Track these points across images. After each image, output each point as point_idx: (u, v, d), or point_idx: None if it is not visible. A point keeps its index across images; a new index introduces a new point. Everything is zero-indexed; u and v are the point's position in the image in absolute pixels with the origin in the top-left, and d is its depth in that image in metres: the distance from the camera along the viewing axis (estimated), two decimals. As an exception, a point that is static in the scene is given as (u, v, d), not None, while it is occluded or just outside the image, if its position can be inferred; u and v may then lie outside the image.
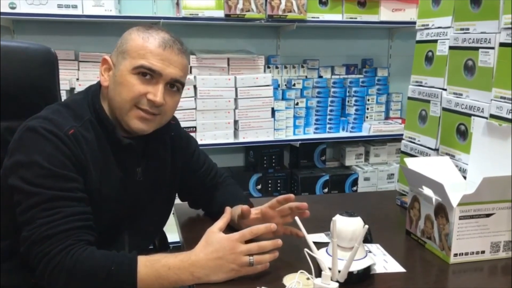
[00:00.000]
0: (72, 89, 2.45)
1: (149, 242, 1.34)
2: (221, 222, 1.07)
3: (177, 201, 1.37)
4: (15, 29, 2.51)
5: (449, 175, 1.29)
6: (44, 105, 1.14)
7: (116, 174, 1.12)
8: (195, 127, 2.56)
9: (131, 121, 1.11)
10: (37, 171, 1.00)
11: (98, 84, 1.17)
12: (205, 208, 1.40)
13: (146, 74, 1.08)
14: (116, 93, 1.11)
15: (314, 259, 0.97)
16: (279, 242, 1.03)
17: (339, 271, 0.95)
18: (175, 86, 1.13)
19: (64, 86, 2.38)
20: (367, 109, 2.89)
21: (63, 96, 2.29)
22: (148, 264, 0.99)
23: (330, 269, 0.94)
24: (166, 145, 1.25)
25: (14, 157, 1.03)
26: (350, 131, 2.86)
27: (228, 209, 1.12)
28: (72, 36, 2.59)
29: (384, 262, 1.10)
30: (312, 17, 2.65)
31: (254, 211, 1.21)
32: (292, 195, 1.18)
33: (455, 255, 1.10)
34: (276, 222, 1.15)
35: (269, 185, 2.79)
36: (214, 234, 1.04)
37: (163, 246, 1.44)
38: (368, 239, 1.20)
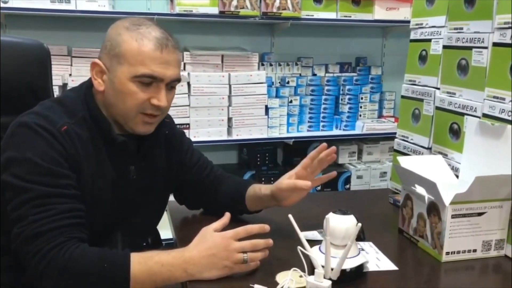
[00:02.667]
0: (65, 84, 2.43)
1: (143, 240, 1.33)
2: (218, 223, 1.06)
3: (171, 198, 1.37)
4: (7, 23, 2.49)
5: (442, 174, 1.30)
6: (37, 101, 1.13)
7: (109, 172, 1.12)
8: (189, 124, 2.56)
9: (137, 126, 1.11)
10: (29, 167, 0.99)
11: (90, 81, 1.16)
12: (207, 205, 1.38)
13: (148, 80, 1.08)
14: (118, 101, 1.09)
15: (307, 257, 0.97)
16: (270, 241, 1.04)
17: (332, 269, 0.96)
18: (173, 85, 1.13)
19: (56, 81, 2.36)
20: (361, 107, 2.89)
21: (56, 92, 2.28)
22: (141, 261, 0.98)
23: (323, 266, 0.94)
24: (160, 144, 1.24)
25: (6, 153, 1.02)
26: (344, 129, 2.87)
27: (227, 214, 1.10)
28: (65, 31, 2.57)
29: (376, 260, 1.11)
30: (307, 15, 2.65)
31: (287, 176, 1.22)
32: (324, 145, 1.19)
33: (447, 253, 1.11)
34: (310, 180, 1.20)
35: (262, 183, 2.77)
36: (209, 232, 1.04)
37: (156, 243, 1.44)
38: (361, 237, 1.20)
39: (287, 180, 1.20)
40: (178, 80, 1.13)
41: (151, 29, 1.09)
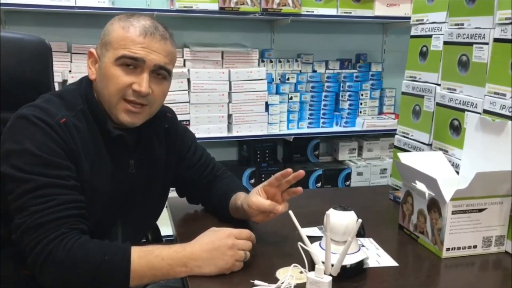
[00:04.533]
0: (65, 81, 2.43)
1: (143, 234, 1.33)
2: (232, 230, 1.06)
3: (171, 195, 1.37)
4: (7, 20, 2.48)
5: (442, 170, 1.30)
6: (37, 97, 1.13)
7: (108, 165, 1.12)
8: (189, 121, 2.55)
9: (120, 115, 1.10)
10: (28, 158, 0.99)
11: None
12: (203, 203, 1.38)
13: (130, 64, 1.07)
14: (103, 86, 1.10)
15: (307, 253, 0.97)
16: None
17: (332, 265, 0.96)
18: (160, 73, 1.11)
19: (56, 78, 2.34)
20: (361, 104, 2.89)
21: (56, 89, 2.28)
22: (141, 255, 0.98)
23: (323, 262, 0.94)
24: (160, 138, 1.24)
25: (6, 145, 1.02)
26: (344, 126, 2.87)
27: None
28: (65, 27, 2.57)
29: (377, 256, 1.11)
30: (307, 11, 2.65)
31: (256, 192, 1.16)
32: (289, 170, 1.12)
33: (448, 249, 1.11)
34: (278, 199, 1.14)
35: (263, 179, 2.76)
36: (215, 229, 1.05)
37: (156, 239, 1.44)
38: (361, 233, 1.20)
39: (256, 198, 1.14)
40: (166, 69, 1.11)
41: (141, 19, 1.10)
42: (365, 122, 2.83)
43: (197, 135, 2.51)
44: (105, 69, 1.08)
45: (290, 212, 1.02)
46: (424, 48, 1.50)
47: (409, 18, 1.61)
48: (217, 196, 1.30)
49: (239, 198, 1.23)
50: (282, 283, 0.95)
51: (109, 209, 1.12)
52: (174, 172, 1.29)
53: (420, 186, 1.17)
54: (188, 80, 2.54)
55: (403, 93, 1.59)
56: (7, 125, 1.05)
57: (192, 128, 2.54)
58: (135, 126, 1.12)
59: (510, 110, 1.16)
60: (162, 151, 1.24)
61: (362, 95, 2.89)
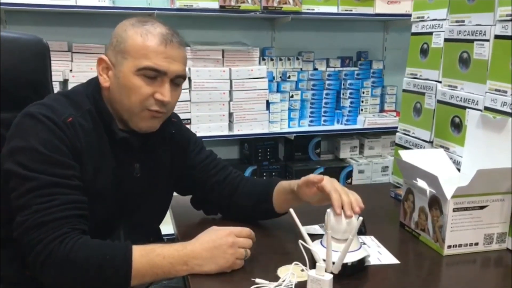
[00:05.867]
0: (66, 80, 2.43)
1: (145, 238, 1.32)
2: (232, 228, 1.05)
3: (173, 194, 1.36)
4: (7, 19, 2.49)
5: (443, 168, 1.29)
6: (37, 97, 1.13)
7: (112, 167, 1.11)
8: (190, 119, 2.55)
9: (141, 123, 1.10)
10: (33, 156, 0.99)
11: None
12: (223, 209, 1.31)
13: (151, 75, 1.07)
14: (122, 96, 1.09)
15: (308, 251, 0.97)
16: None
17: (334, 263, 0.96)
18: (178, 81, 1.12)
19: (57, 77, 2.36)
20: (362, 101, 2.89)
21: (56, 88, 2.28)
22: (143, 254, 0.98)
23: (324, 260, 0.94)
24: (165, 142, 1.23)
25: (12, 142, 1.02)
26: (345, 124, 2.87)
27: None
28: (66, 27, 2.57)
29: (378, 254, 1.11)
30: (308, 9, 2.65)
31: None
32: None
33: (449, 247, 1.11)
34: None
35: (264, 178, 2.79)
36: (215, 227, 1.05)
37: (157, 238, 1.44)
38: (362, 231, 1.20)
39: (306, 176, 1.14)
40: (183, 76, 1.13)
41: (156, 26, 1.10)
42: (366, 120, 2.83)
43: (198, 134, 2.48)
44: (124, 79, 1.08)
45: (291, 210, 1.02)
46: (425, 45, 1.50)
47: (409, 15, 1.61)
48: (251, 195, 1.26)
49: (290, 183, 1.21)
50: (283, 281, 0.95)
51: (111, 211, 1.12)
52: (179, 176, 1.27)
53: (421, 183, 1.17)
54: (189, 79, 2.53)
55: (404, 90, 1.59)
56: (13, 122, 1.06)
57: (193, 127, 2.54)
58: (154, 130, 1.13)
59: (511, 107, 1.16)
60: (167, 155, 1.24)
61: (363, 92, 2.88)
